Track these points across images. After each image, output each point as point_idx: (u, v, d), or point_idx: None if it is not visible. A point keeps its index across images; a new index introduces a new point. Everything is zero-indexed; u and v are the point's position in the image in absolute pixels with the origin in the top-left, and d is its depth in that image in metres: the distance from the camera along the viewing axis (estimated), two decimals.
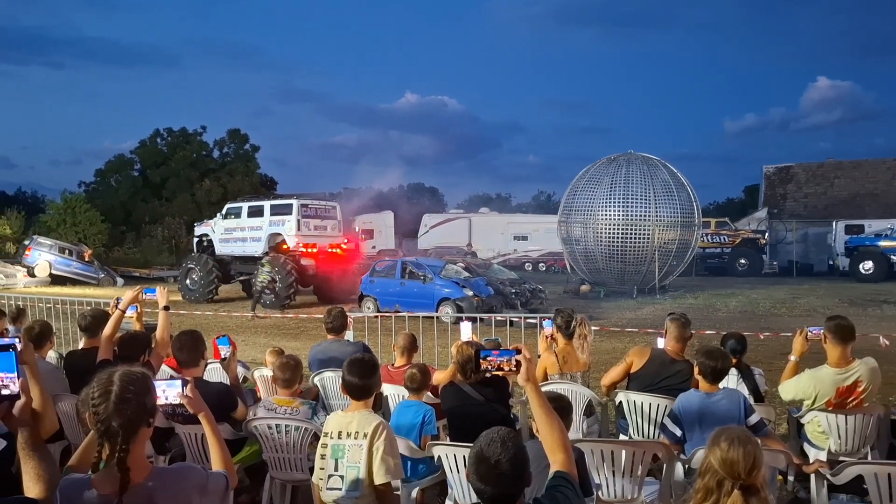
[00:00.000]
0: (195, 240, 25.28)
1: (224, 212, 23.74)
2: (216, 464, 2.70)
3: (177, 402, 2.73)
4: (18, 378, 2.21)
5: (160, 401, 2.60)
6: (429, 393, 5.51)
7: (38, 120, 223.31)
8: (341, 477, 3.51)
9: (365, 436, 3.48)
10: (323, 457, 3.58)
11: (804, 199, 40.22)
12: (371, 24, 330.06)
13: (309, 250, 21.19)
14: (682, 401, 4.17)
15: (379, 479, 3.44)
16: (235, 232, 23.02)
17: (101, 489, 2.17)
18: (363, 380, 3.65)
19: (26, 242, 31.46)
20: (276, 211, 22.27)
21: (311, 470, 4.28)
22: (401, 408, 4.65)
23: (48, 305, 12.19)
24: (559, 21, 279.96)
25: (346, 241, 22.91)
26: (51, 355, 6.21)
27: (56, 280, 29.20)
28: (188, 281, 22.47)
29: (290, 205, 22.03)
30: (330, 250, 21.77)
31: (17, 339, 3.06)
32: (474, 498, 2.34)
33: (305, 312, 16.81)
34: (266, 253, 21.28)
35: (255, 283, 19.29)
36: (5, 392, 2.19)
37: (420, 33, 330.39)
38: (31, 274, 29.10)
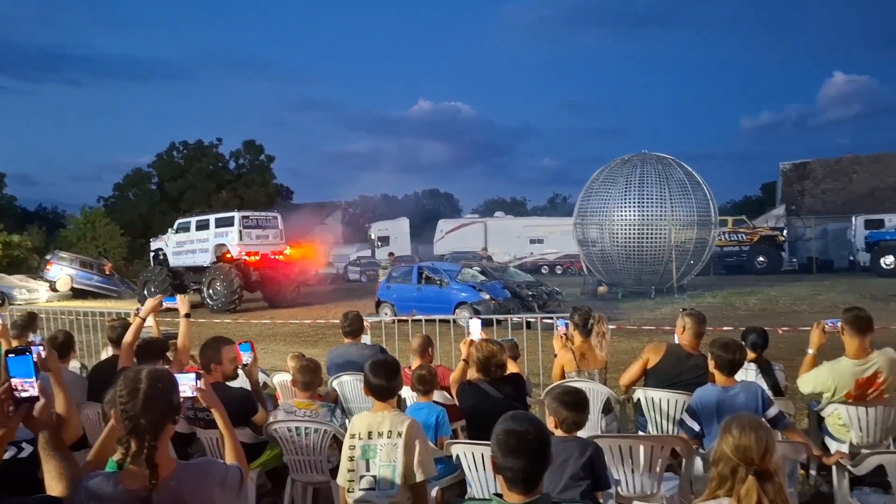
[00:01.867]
0: (151, 254, 27.56)
1: (175, 227, 25.96)
2: (230, 458, 2.74)
3: (190, 394, 2.78)
4: (37, 381, 2.24)
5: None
6: (445, 394, 5.55)
7: (57, 137, 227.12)
8: (374, 477, 3.50)
9: (399, 434, 3.48)
10: (351, 458, 3.56)
11: (822, 195, 39.81)
12: (383, 32, 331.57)
13: (251, 258, 23.43)
14: (700, 395, 4.16)
15: (418, 476, 3.44)
16: (186, 245, 25.19)
17: (127, 485, 2.21)
18: (388, 381, 3.66)
19: (48, 257, 31.84)
20: (220, 223, 24.45)
21: (332, 472, 4.33)
22: (411, 410, 4.65)
23: (70, 318, 12.35)
24: (571, 23, 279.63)
25: (287, 248, 24.97)
26: (74, 365, 6.32)
27: (77, 294, 29.52)
28: (146, 292, 23.90)
29: (232, 217, 24.36)
30: (272, 257, 23.99)
31: (41, 348, 3.13)
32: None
33: (323, 319, 16.88)
34: (213, 263, 23.57)
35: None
36: (24, 395, 2.21)
37: (432, 40, 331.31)
38: (53, 288, 29.44)
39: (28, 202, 57.83)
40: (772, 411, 4.00)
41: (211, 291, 22.58)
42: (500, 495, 2.35)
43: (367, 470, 3.52)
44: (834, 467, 4.10)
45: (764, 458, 2.23)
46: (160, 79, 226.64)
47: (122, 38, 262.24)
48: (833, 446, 4.59)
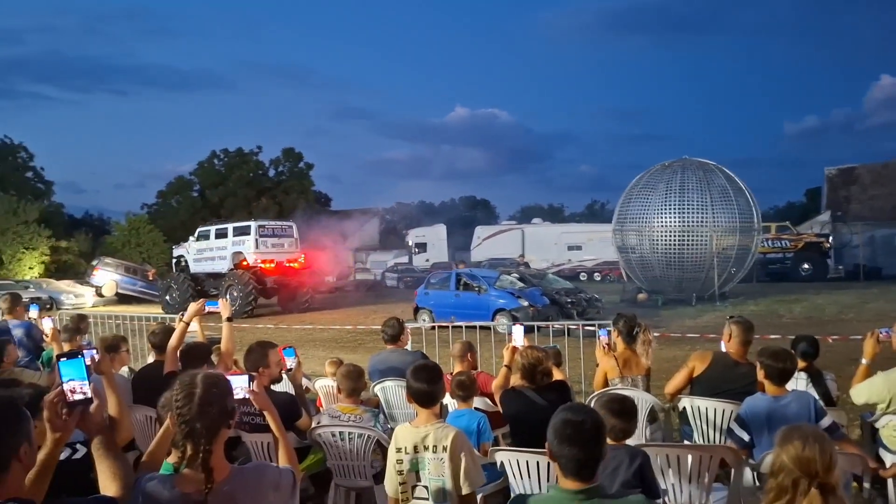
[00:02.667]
0: (173, 260, 28.61)
1: (196, 235, 27.06)
2: (283, 460, 2.76)
3: (243, 396, 2.83)
4: (90, 383, 2.26)
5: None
6: (487, 400, 5.53)
7: (103, 146, 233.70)
8: (426, 487, 3.47)
9: (444, 448, 3.41)
10: (400, 472, 3.52)
11: (869, 201, 38.84)
12: (422, 40, 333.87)
13: (267, 266, 24.38)
14: (749, 404, 4.07)
15: (465, 489, 3.39)
16: (206, 252, 26.37)
17: (183, 489, 2.24)
18: (430, 385, 3.59)
19: (94, 263, 32.68)
20: (237, 232, 25.58)
21: (375, 477, 4.34)
22: (452, 418, 4.60)
23: (116, 322, 12.61)
24: (611, 29, 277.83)
25: (302, 256, 25.94)
26: (123, 369, 6.44)
27: (122, 299, 30.18)
28: (168, 297, 25.31)
29: (249, 226, 25.46)
30: (287, 265, 24.94)
31: (94, 350, 3.19)
32: None
33: (363, 324, 16.98)
34: (231, 269, 24.62)
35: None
36: (78, 397, 2.22)
37: (470, 47, 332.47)
38: (98, 293, 30.14)
39: (75, 209, 59.28)
40: (825, 422, 3.89)
41: (228, 297, 22.67)
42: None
43: (419, 480, 3.49)
44: (890, 480, 3.98)
45: (828, 472, 2.17)
46: (203, 88, 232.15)
47: (167, 48, 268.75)
48: (888, 458, 4.45)
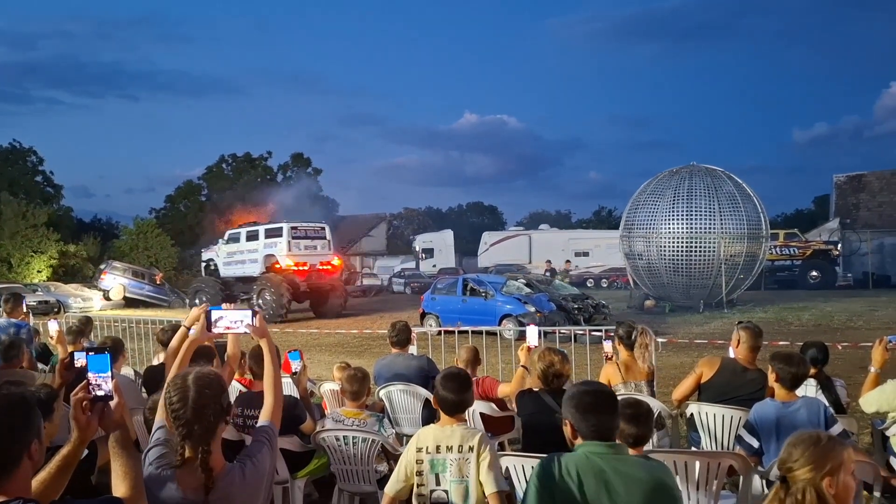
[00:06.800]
0: (202, 264, 27.64)
1: (226, 237, 26.18)
2: (267, 387, 2.83)
3: (244, 331, 2.98)
4: (112, 379, 2.29)
5: (234, 330, 2.96)
6: (493, 405, 5.49)
7: (114, 150, 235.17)
8: (445, 491, 3.39)
9: (471, 449, 3.36)
10: (420, 473, 3.44)
11: (878, 209, 38.62)
12: (431, 46, 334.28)
13: (300, 268, 23.42)
14: (758, 410, 4.03)
15: (491, 488, 3.31)
16: (236, 255, 25.42)
17: (183, 485, 2.24)
18: (459, 395, 3.52)
19: (102, 267, 32.68)
20: (269, 234, 24.38)
21: (379, 482, 4.30)
22: None
23: (123, 326, 12.64)
24: (621, 36, 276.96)
25: (335, 259, 25.16)
26: (127, 371, 6.44)
27: (130, 303, 30.24)
28: (197, 301, 24.02)
29: (281, 228, 24.13)
30: (320, 268, 24.13)
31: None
32: None
33: (369, 328, 16.97)
34: (263, 273, 23.66)
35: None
36: (99, 393, 2.25)
37: (480, 53, 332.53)
38: (106, 297, 30.21)
39: (84, 213, 59.41)
40: (835, 429, 3.85)
41: (260, 301, 22.57)
42: None
43: (438, 484, 3.41)
44: None
45: (832, 474, 2.13)
46: (213, 94, 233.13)
47: (179, 54, 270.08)
48: None
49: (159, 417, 2.55)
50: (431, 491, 3.42)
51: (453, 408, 3.51)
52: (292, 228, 24.15)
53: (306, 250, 24.32)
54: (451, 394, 3.50)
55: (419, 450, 3.47)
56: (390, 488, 3.51)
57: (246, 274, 24.76)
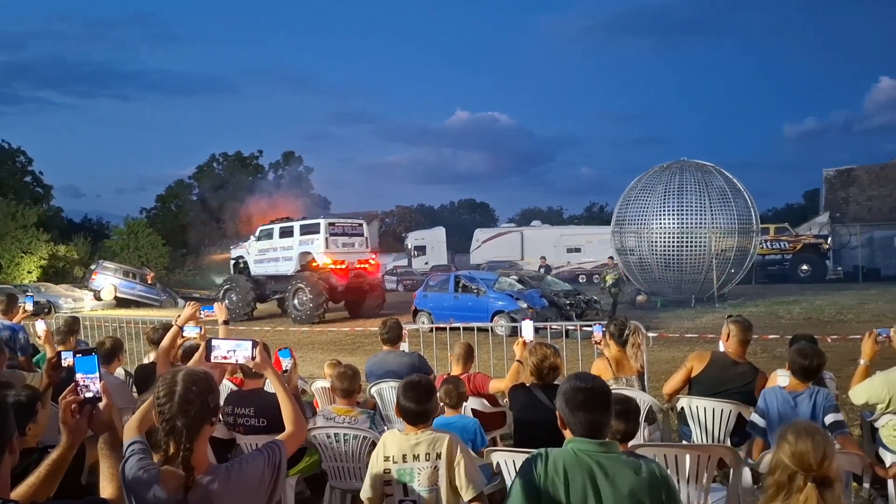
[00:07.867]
0: (231, 262, 26.20)
1: (257, 234, 24.70)
2: (288, 419, 2.77)
3: (243, 362, 2.89)
4: (99, 379, 2.30)
5: (230, 360, 2.86)
6: (484, 401, 5.49)
7: (104, 150, 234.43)
8: (413, 501, 3.31)
9: (439, 456, 3.27)
10: (388, 483, 3.34)
11: (868, 202, 38.84)
12: (423, 44, 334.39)
13: (338, 267, 21.94)
14: (767, 396, 4.22)
15: (470, 493, 3.25)
16: (268, 252, 23.93)
17: (167, 485, 2.23)
18: (420, 405, 3.38)
19: (93, 267, 32.50)
20: (305, 230, 22.99)
21: None
22: (441, 423, 4.40)
23: (114, 326, 12.58)
24: (611, 33, 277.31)
25: (373, 257, 23.99)
26: (119, 371, 6.41)
27: (121, 303, 30.08)
28: (227, 301, 22.76)
29: (318, 224, 22.79)
30: (358, 266, 22.67)
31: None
32: None
33: (361, 326, 16.96)
34: (298, 271, 22.34)
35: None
36: (87, 395, 2.26)
37: (471, 51, 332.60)
38: (97, 297, 30.04)
39: (74, 213, 59.09)
40: (829, 418, 3.92)
41: (296, 301, 21.41)
42: None
43: (406, 495, 3.32)
44: (891, 481, 3.96)
45: (822, 465, 2.15)
46: (205, 93, 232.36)
47: (170, 53, 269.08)
48: (888, 458, 4.42)
49: (130, 433, 2.47)
50: (400, 501, 3.35)
51: (416, 417, 3.39)
52: (330, 224, 22.90)
53: (344, 248, 22.94)
54: (411, 403, 3.38)
55: (386, 458, 3.38)
56: (363, 494, 3.45)
57: (279, 272, 23.33)
